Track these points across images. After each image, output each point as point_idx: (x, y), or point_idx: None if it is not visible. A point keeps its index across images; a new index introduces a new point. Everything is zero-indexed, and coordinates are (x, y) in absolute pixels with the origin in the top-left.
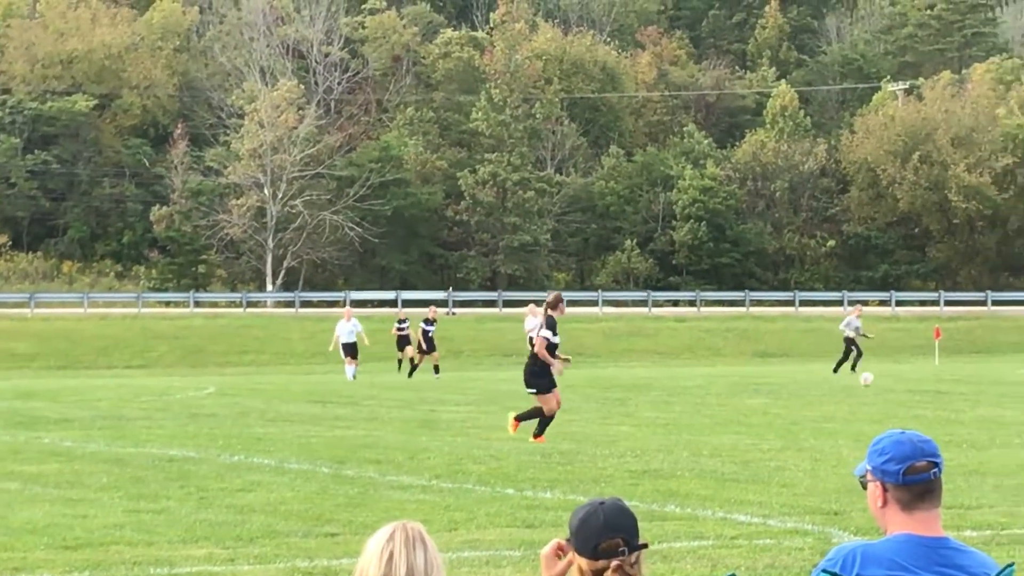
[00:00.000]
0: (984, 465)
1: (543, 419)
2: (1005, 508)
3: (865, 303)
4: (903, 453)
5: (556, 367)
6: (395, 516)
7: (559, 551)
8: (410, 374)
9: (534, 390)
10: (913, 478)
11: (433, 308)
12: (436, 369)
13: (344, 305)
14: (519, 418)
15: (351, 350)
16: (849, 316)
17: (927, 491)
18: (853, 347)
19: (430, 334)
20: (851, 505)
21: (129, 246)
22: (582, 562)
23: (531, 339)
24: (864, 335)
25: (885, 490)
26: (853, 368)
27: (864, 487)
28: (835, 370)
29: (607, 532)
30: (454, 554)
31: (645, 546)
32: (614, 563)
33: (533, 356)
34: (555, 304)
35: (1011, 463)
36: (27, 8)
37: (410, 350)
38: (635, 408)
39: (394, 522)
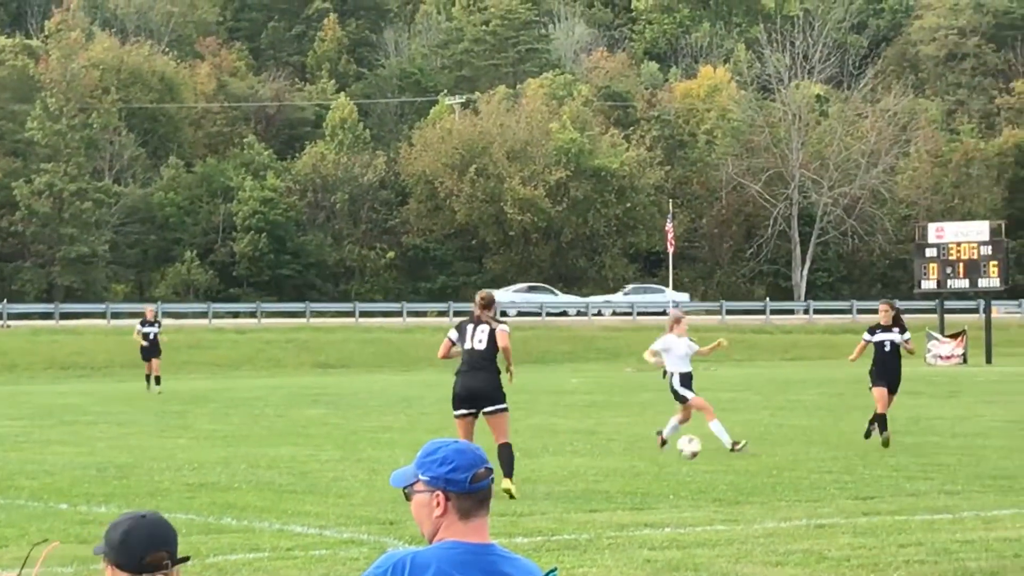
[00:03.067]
0: (536, 472)
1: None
2: (556, 514)
3: (424, 314)
4: (468, 461)
5: None
6: None
7: None
8: None
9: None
10: (477, 486)
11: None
12: None
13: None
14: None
15: None
16: None
17: (486, 498)
18: None
19: None
20: (406, 514)
21: None
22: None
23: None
24: None
25: (448, 499)
26: None
27: (408, 498)
28: None
29: (152, 545)
30: (3, 571)
31: (187, 559)
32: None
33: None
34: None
35: (562, 471)
36: None
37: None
38: (193, 420)
39: None
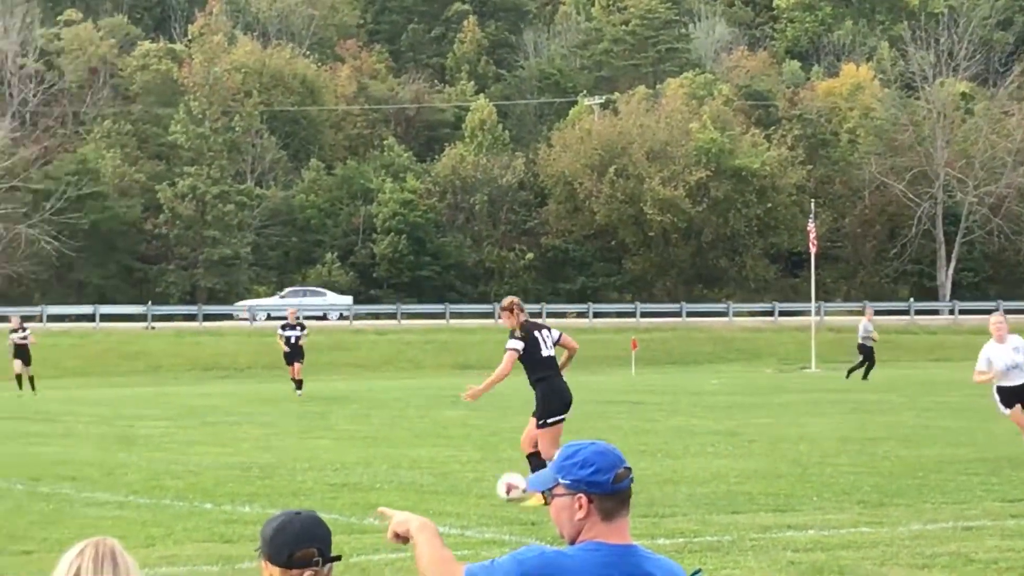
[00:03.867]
0: (677, 474)
1: None
2: (698, 516)
3: (563, 315)
4: (609, 462)
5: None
6: (91, 533)
7: None
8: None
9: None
10: (619, 486)
11: (17, 318)
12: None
13: (42, 320)
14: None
15: None
16: (863, 321)
17: (627, 498)
18: (868, 354)
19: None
20: (548, 516)
21: None
22: (275, 570)
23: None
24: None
25: (590, 501)
26: (865, 376)
27: (548, 500)
28: (865, 376)
29: (303, 541)
30: (151, 570)
31: (338, 558)
32: (307, 573)
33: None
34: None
35: (704, 472)
36: None
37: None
38: (335, 421)
39: (89, 539)
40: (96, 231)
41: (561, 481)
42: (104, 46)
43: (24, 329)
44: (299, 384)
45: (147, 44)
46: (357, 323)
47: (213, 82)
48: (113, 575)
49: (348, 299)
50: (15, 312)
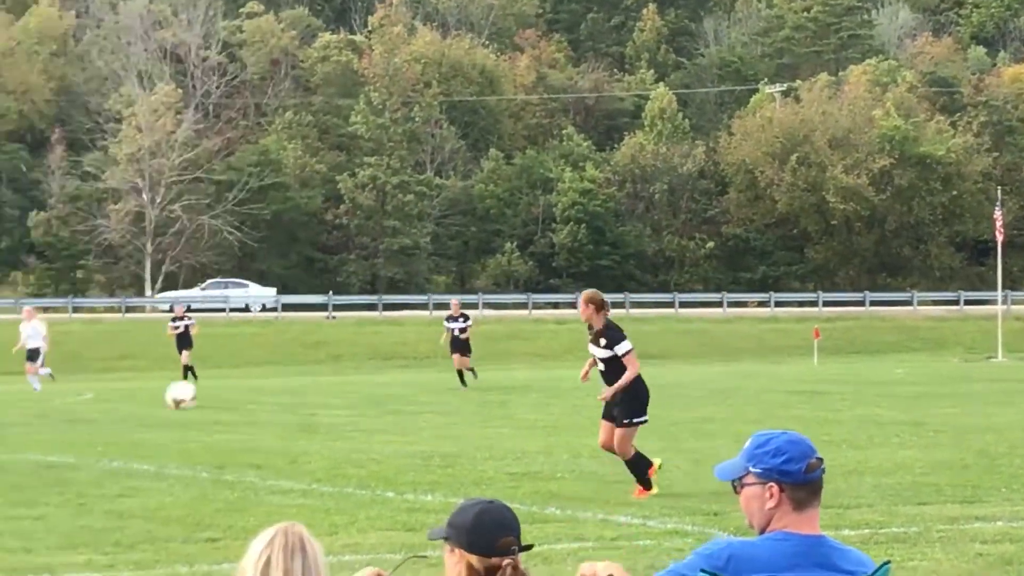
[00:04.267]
0: (862, 464)
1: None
2: (883, 507)
3: (744, 304)
4: (801, 452)
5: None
6: (275, 520)
7: None
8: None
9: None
10: (811, 476)
11: (181, 306)
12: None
13: (225, 311)
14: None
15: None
16: None
17: (818, 488)
18: None
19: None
20: (730, 505)
21: (6, 252)
22: (473, 559)
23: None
24: None
25: (781, 490)
26: None
27: (737, 489)
28: None
29: (503, 529)
30: (335, 558)
31: (531, 547)
32: (507, 561)
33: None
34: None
35: (889, 462)
36: None
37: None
38: (515, 410)
39: (278, 525)
40: (278, 221)
41: (752, 469)
42: (285, 38)
43: (188, 318)
44: (462, 376)
45: (328, 35)
46: (536, 312)
47: (393, 73)
48: (303, 564)
49: (271, 291)
50: (200, 301)
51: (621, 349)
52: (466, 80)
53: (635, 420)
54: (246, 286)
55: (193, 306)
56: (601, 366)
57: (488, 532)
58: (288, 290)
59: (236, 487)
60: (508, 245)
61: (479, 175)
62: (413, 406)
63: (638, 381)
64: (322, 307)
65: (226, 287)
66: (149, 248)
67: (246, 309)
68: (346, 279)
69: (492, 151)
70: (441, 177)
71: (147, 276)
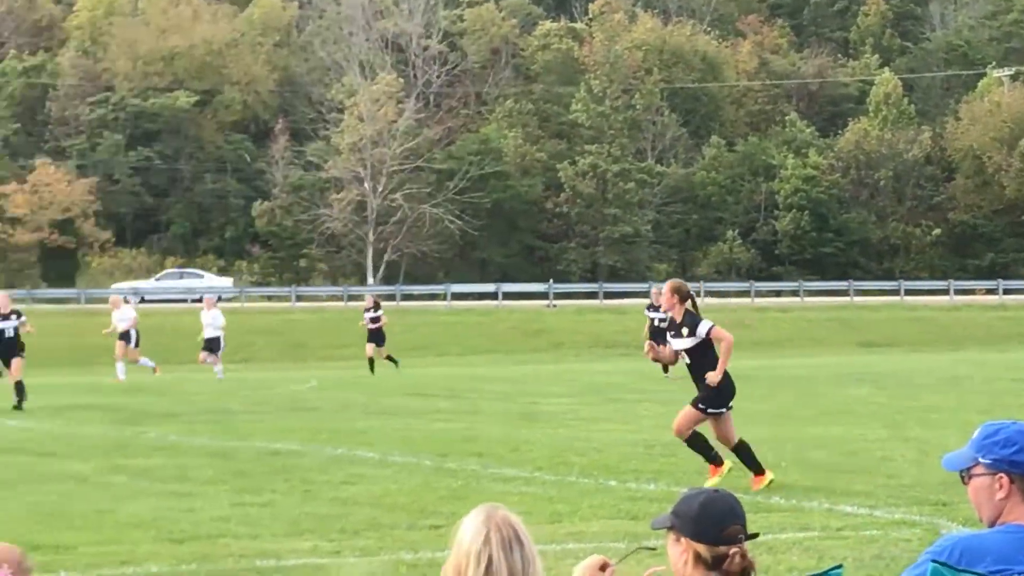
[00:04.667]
0: None
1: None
2: None
3: (971, 291)
4: None
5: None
6: None
7: (603, 568)
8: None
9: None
10: None
11: (371, 297)
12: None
13: (445, 299)
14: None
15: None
16: None
17: None
18: None
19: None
20: (959, 496)
21: (231, 241)
22: (700, 548)
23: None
24: None
25: (1011, 481)
26: None
27: (966, 480)
28: None
29: (730, 518)
30: (558, 546)
31: (756, 535)
32: (734, 549)
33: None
34: None
35: None
36: (129, 6)
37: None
38: (738, 400)
39: (482, 511)
40: (498, 210)
41: (981, 460)
42: (506, 26)
43: (377, 309)
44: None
45: (548, 23)
46: (759, 300)
47: (614, 60)
48: (521, 555)
49: (228, 281)
50: (419, 290)
51: (703, 327)
52: (687, 67)
53: (709, 409)
54: (201, 276)
55: (147, 297)
56: (687, 359)
57: (715, 521)
58: (508, 278)
59: (459, 475)
60: (730, 233)
61: (700, 162)
62: (634, 394)
63: (726, 374)
64: (542, 295)
65: (181, 277)
66: (371, 237)
67: (199, 300)
68: (566, 267)
69: (714, 138)
70: (662, 164)
71: (368, 265)
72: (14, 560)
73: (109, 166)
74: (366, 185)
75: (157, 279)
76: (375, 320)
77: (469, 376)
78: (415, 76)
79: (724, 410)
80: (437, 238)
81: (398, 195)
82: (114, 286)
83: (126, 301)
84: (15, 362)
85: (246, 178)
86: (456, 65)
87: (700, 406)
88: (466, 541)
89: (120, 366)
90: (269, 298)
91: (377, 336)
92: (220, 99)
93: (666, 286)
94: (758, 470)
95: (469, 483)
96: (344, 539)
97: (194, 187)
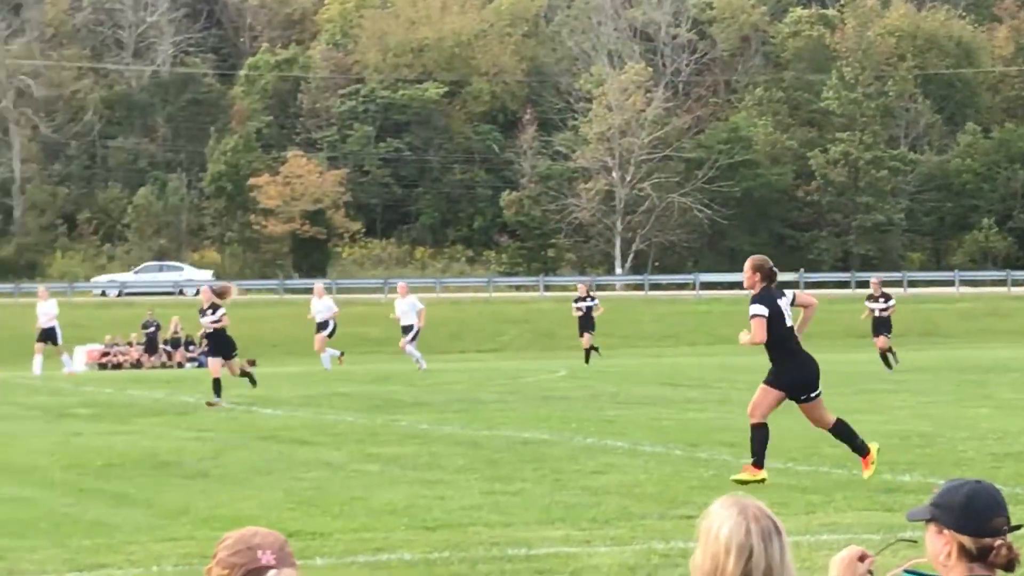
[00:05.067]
0: None
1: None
2: None
3: None
4: None
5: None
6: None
7: (861, 558)
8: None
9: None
10: None
11: (583, 286)
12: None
13: (694, 288)
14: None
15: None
16: None
17: None
18: None
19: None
20: None
21: (479, 231)
22: (964, 540)
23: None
24: None
25: None
26: None
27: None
28: None
29: (995, 510)
30: (812, 537)
31: (1020, 527)
32: (999, 541)
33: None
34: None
35: None
36: None
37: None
38: (994, 390)
39: (732, 502)
40: (748, 198)
41: None
42: (755, 14)
43: (591, 298)
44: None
45: (799, 10)
46: (1016, 290)
47: (866, 47)
48: (780, 546)
49: (207, 273)
50: (668, 280)
51: (751, 310)
52: (942, 52)
53: (776, 388)
54: (181, 269)
55: (127, 290)
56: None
57: (980, 513)
58: None
59: (710, 465)
60: (985, 221)
61: (955, 149)
62: (888, 385)
63: (807, 359)
64: (793, 284)
65: (160, 270)
66: (619, 226)
67: (180, 293)
68: (817, 256)
69: (969, 125)
70: (915, 152)
71: (617, 254)
72: (277, 546)
73: (359, 157)
74: (614, 174)
75: (136, 272)
76: (588, 310)
77: (719, 365)
78: (663, 65)
79: (808, 395)
80: (686, 227)
81: (646, 184)
82: (93, 280)
83: (329, 291)
84: (213, 361)
85: (494, 168)
86: (705, 53)
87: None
88: (723, 533)
89: (324, 356)
90: (517, 288)
91: (587, 323)
92: (468, 90)
93: (747, 262)
94: (861, 449)
95: (721, 473)
96: (595, 528)
97: (443, 178)
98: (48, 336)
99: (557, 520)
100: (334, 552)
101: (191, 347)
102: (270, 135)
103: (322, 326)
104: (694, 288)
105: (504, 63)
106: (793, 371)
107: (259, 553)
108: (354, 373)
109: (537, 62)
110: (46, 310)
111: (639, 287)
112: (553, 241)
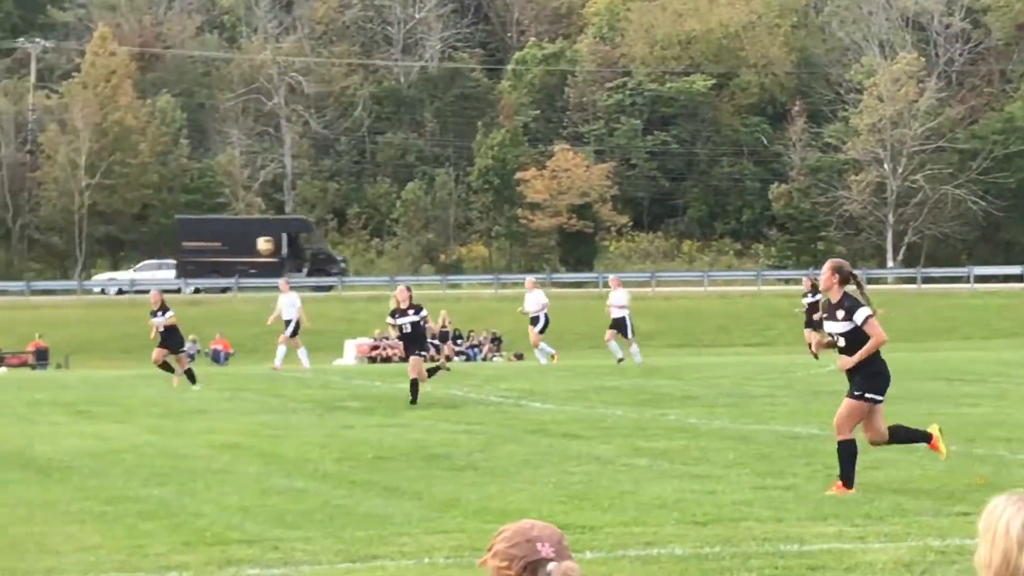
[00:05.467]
0: None
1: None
2: None
3: None
4: None
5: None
6: None
7: None
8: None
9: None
10: None
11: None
12: None
13: (968, 281)
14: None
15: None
16: None
17: None
18: None
19: None
20: None
21: (748, 224)
22: None
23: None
24: None
25: None
26: None
27: None
28: None
29: None
30: None
31: None
32: None
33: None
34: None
35: None
36: None
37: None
38: None
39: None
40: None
41: None
42: None
43: (815, 293)
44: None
45: None
46: None
47: None
48: None
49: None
50: (941, 273)
51: (860, 316)
52: None
53: (868, 395)
54: None
55: (123, 289)
56: (841, 342)
57: None
58: None
59: (987, 461)
60: None
61: None
62: None
63: (881, 358)
64: None
65: (159, 268)
66: (891, 219)
67: (177, 292)
68: None
69: None
70: None
71: (888, 247)
72: (555, 539)
73: (626, 150)
74: (886, 166)
75: (135, 270)
76: (810, 307)
77: (995, 360)
78: (936, 55)
79: (882, 398)
80: (959, 220)
81: (919, 176)
82: (95, 277)
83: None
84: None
85: (762, 160)
86: (979, 42)
87: (857, 393)
88: (1015, 529)
89: (538, 352)
90: (786, 281)
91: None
92: (737, 82)
93: (826, 265)
94: (924, 437)
95: (998, 470)
96: (869, 524)
97: (710, 170)
98: (293, 329)
99: (830, 516)
100: (604, 546)
101: (459, 341)
102: (537, 129)
103: (535, 320)
104: (968, 281)
105: (773, 54)
106: (885, 370)
107: (538, 545)
108: (622, 368)
109: (806, 53)
110: (290, 302)
111: (911, 280)
112: (823, 234)
